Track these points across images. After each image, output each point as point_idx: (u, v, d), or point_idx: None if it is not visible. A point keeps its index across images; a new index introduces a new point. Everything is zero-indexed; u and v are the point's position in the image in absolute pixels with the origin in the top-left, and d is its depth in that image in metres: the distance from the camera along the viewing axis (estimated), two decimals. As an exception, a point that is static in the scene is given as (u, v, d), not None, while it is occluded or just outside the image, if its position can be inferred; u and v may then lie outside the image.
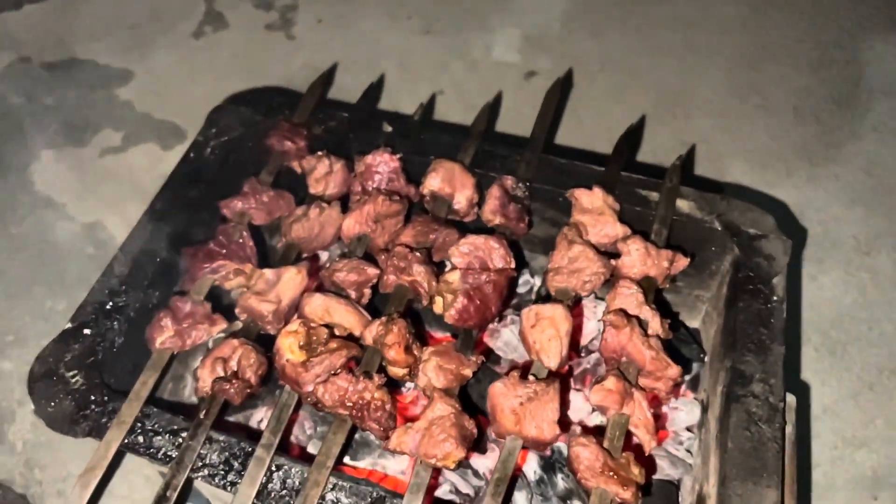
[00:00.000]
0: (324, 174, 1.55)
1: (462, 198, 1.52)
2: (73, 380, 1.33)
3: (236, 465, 1.24)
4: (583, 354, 1.66)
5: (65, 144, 2.68)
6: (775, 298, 1.34)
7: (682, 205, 1.49)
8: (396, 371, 1.30)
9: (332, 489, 1.20)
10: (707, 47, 2.71)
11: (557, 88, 1.69)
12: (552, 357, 1.27)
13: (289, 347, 1.28)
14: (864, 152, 2.33)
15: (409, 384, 1.53)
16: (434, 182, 1.50)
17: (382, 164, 1.53)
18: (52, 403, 1.30)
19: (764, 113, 2.47)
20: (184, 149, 1.68)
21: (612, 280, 1.39)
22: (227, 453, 1.24)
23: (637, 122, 2.43)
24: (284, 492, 1.21)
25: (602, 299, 1.70)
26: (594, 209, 1.44)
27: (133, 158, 2.61)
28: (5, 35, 3.04)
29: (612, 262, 1.38)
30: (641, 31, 2.81)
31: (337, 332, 1.33)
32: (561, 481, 1.46)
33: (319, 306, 1.32)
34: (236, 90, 2.67)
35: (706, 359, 1.59)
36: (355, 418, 1.24)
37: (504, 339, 1.61)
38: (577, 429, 1.21)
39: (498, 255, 1.39)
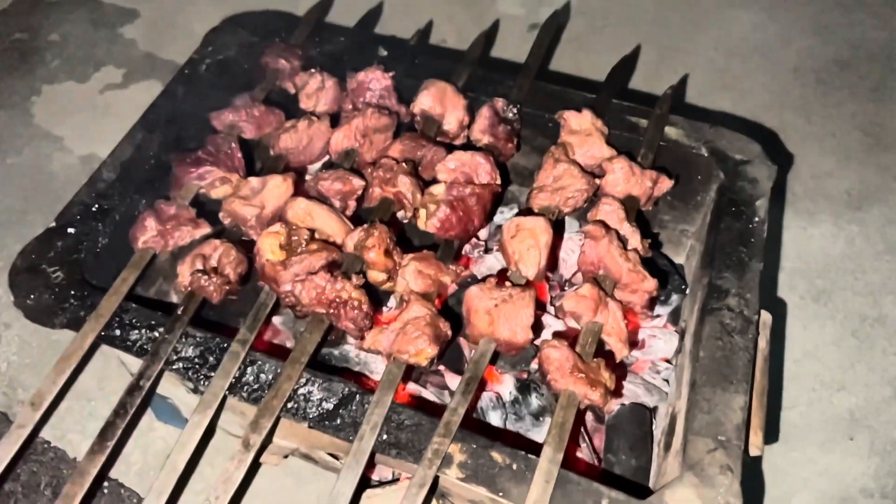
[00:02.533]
0: (315, 89, 1.55)
1: (452, 118, 1.52)
2: (55, 275, 1.34)
3: (211, 359, 1.25)
4: (566, 288, 1.66)
5: (66, 79, 2.69)
6: (756, 219, 1.34)
7: (671, 132, 1.49)
8: (376, 276, 1.31)
9: (305, 384, 1.21)
10: (713, 6, 2.69)
11: (554, 21, 1.69)
12: (530, 266, 1.27)
13: (269, 247, 1.28)
14: (863, 112, 2.32)
15: (389, 305, 1.54)
16: (425, 100, 1.50)
17: (374, 81, 1.53)
18: (32, 296, 1.31)
19: (764, 72, 2.46)
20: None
21: (595, 199, 1.39)
22: (202, 348, 1.26)
23: (632, 51, 2.42)
24: (257, 385, 1.22)
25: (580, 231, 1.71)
26: (582, 131, 1.44)
27: (134, 95, 2.63)
28: (11, -27, 3.04)
29: (597, 181, 1.38)
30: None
31: (318, 238, 1.34)
32: (535, 400, 1.47)
33: (302, 210, 1.33)
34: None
35: (687, 290, 1.59)
36: (332, 317, 1.25)
37: (488, 265, 1.61)
38: (550, 335, 1.21)
39: (483, 171, 1.39)
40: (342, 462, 1.13)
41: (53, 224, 1.41)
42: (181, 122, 1.59)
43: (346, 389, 1.21)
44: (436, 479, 1.11)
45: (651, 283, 1.25)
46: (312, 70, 1.58)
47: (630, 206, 1.36)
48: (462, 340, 1.58)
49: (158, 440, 1.84)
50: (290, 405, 1.20)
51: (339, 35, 1.73)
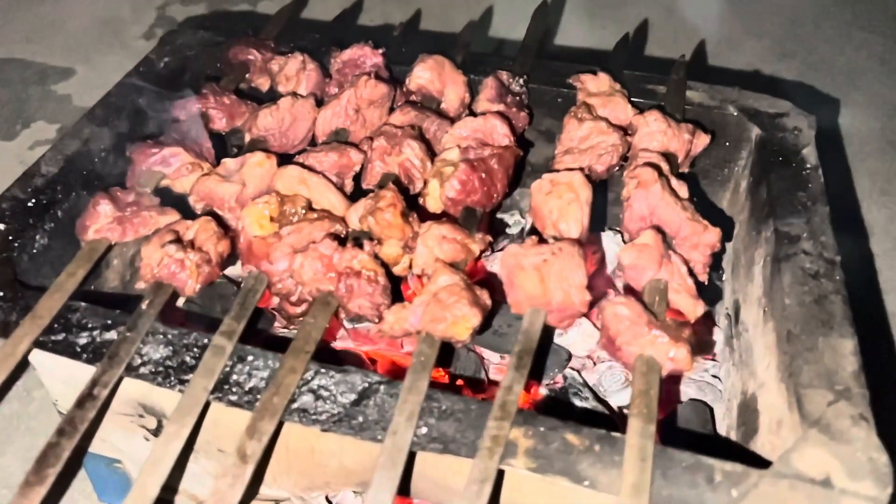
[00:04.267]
0: (296, 71, 1.37)
1: (452, 94, 1.36)
2: (-22, 276, 1.06)
3: (188, 359, 0.98)
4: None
5: (-10, 137, 2.43)
6: (809, 166, 1.21)
7: (693, 95, 1.38)
8: (390, 251, 1.08)
9: (314, 377, 0.95)
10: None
11: (545, 6, 1.60)
12: (572, 223, 1.08)
13: (257, 220, 1.06)
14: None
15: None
16: (423, 74, 1.34)
17: (364, 58, 1.37)
18: (-54, 301, 1.03)
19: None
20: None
21: (627, 164, 1.23)
22: (174, 346, 0.98)
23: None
24: (251, 386, 0.95)
25: (615, 230, 1.55)
26: (602, 93, 1.30)
27: (68, 148, 2.38)
28: (-70, 37, 2.82)
29: (628, 139, 1.23)
30: (606, 29, 2.81)
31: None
32: (578, 405, 1.23)
33: (295, 178, 1.11)
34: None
35: (724, 276, 1.43)
36: (341, 296, 1.01)
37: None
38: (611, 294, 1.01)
39: (500, 134, 1.22)
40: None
41: (-24, 221, 1.14)
42: (136, 118, 1.37)
43: (367, 380, 0.95)
44: (499, 477, 0.86)
45: (713, 234, 1.08)
46: (290, 54, 1.41)
47: (669, 163, 1.20)
48: (478, 349, 1.35)
49: (101, 528, 1.47)
50: (295, 405, 0.93)
51: (314, 31, 1.58)
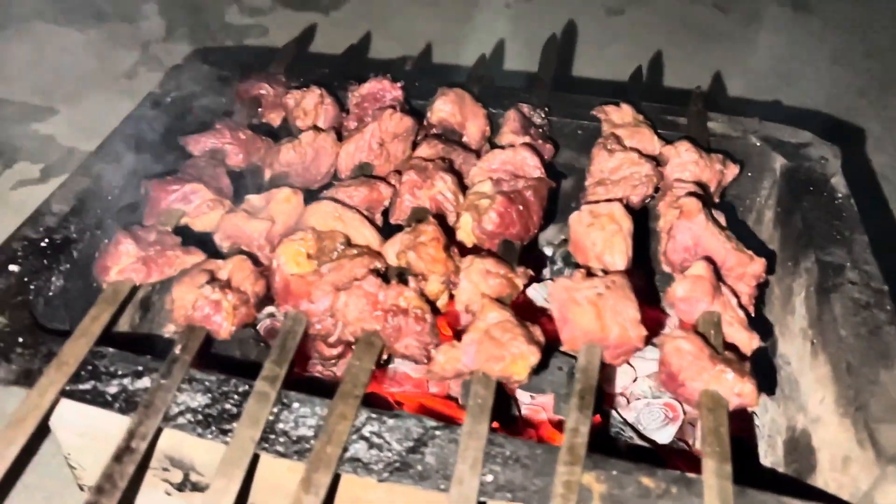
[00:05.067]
0: (314, 105, 1.34)
1: (474, 128, 1.34)
2: (-8, 322, 0.99)
3: (229, 406, 0.92)
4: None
5: (-33, 179, 2.33)
6: (840, 195, 1.21)
7: (715, 126, 1.38)
8: (432, 287, 1.04)
9: (366, 423, 0.90)
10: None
11: (554, 39, 1.60)
12: (617, 255, 1.05)
13: (293, 257, 1.01)
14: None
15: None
16: (444, 107, 1.32)
17: (383, 92, 1.34)
18: (-40, 350, 0.95)
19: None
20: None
21: (658, 195, 1.22)
22: (213, 394, 0.92)
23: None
24: (299, 434, 0.89)
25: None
26: (627, 124, 1.30)
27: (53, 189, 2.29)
28: None
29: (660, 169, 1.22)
30: (594, 66, 2.85)
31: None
32: (625, 442, 1.20)
33: (329, 214, 1.07)
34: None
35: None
36: (388, 335, 0.96)
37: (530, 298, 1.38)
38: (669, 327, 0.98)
39: (531, 165, 1.20)
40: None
41: (-13, 263, 1.07)
42: (147, 154, 1.32)
43: (422, 425, 0.90)
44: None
45: (759, 265, 1.06)
46: (306, 88, 1.38)
47: (704, 193, 1.20)
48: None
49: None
50: (348, 454, 0.87)
51: (324, 65, 1.55)
